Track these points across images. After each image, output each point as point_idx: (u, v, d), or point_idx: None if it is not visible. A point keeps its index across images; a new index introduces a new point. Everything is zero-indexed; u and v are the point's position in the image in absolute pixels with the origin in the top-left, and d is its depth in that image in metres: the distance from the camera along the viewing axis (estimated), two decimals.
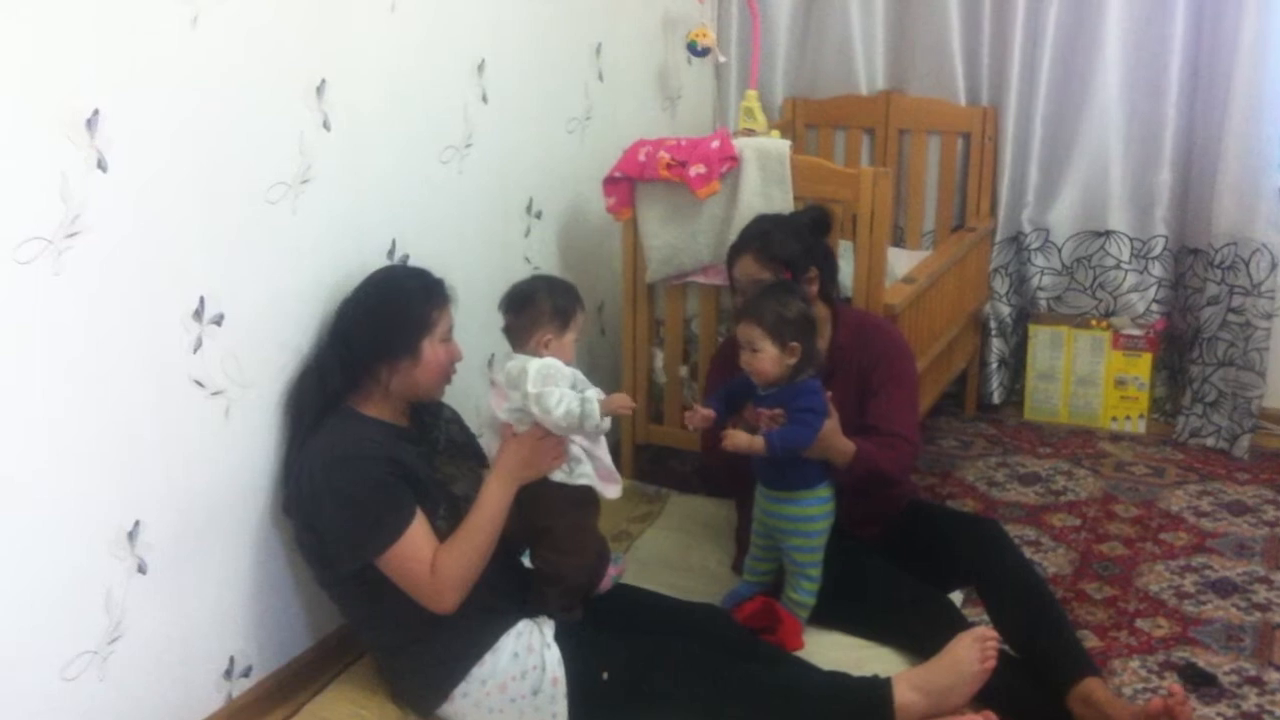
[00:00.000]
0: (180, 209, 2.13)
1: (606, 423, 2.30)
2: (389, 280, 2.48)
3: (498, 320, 3.04)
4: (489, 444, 2.62)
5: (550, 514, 2.38)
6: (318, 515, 2.27)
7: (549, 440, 2.33)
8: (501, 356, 3.10)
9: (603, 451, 2.43)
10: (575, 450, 2.37)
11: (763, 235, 2.74)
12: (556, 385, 2.29)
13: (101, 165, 1.96)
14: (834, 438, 2.51)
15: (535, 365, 2.32)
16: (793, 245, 2.71)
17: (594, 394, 2.32)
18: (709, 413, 2.51)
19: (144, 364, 2.10)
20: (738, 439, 2.45)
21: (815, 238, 2.80)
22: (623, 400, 2.35)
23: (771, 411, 2.48)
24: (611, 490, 2.43)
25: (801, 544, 2.57)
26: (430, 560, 2.23)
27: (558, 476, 2.36)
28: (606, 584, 2.46)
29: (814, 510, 2.56)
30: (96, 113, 1.94)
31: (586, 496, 2.41)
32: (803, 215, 2.87)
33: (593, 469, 2.40)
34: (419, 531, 2.24)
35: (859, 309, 2.97)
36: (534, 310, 2.41)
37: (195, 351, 2.19)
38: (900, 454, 2.65)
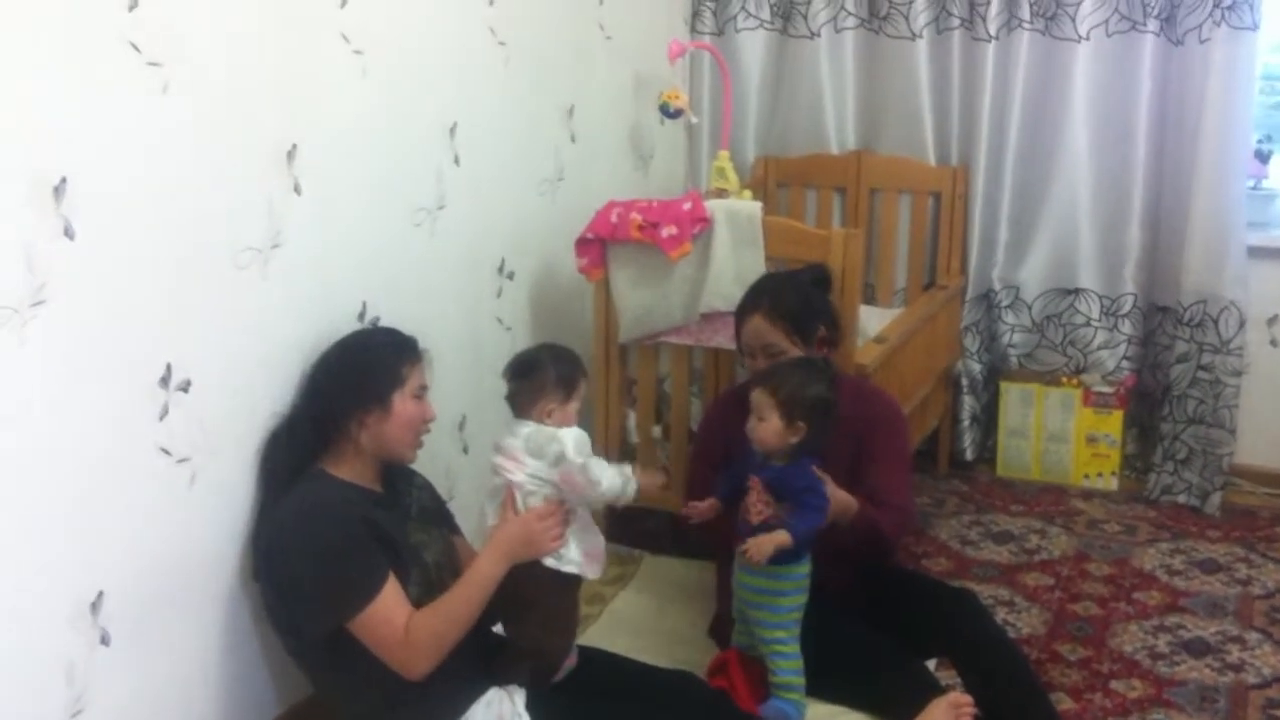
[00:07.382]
0: (148, 276, 2.11)
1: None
2: (360, 337, 2.50)
3: (468, 382, 3.04)
4: (459, 510, 2.60)
5: (540, 590, 2.34)
6: (287, 576, 2.24)
7: (552, 521, 2.33)
8: (477, 418, 3.11)
9: (595, 533, 2.43)
10: (566, 534, 2.37)
11: (771, 293, 2.72)
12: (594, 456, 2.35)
13: (68, 233, 1.94)
14: (836, 495, 2.47)
15: (571, 436, 2.35)
16: (801, 302, 2.70)
17: (629, 469, 2.38)
18: (711, 503, 2.53)
19: (109, 432, 2.07)
20: (764, 547, 2.37)
21: (820, 295, 2.80)
22: (652, 478, 2.48)
23: (767, 499, 2.43)
24: (593, 571, 2.42)
25: (767, 618, 2.50)
26: (404, 624, 2.20)
27: (549, 561, 2.34)
28: (559, 674, 2.43)
29: (785, 585, 2.48)
30: (64, 180, 1.92)
31: (572, 578, 2.40)
32: (804, 273, 2.85)
33: (580, 554, 2.38)
34: (392, 593, 2.21)
35: (854, 375, 2.96)
36: (540, 378, 2.42)
37: (161, 419, 2.17)
38: (897, 522, 2.66)
